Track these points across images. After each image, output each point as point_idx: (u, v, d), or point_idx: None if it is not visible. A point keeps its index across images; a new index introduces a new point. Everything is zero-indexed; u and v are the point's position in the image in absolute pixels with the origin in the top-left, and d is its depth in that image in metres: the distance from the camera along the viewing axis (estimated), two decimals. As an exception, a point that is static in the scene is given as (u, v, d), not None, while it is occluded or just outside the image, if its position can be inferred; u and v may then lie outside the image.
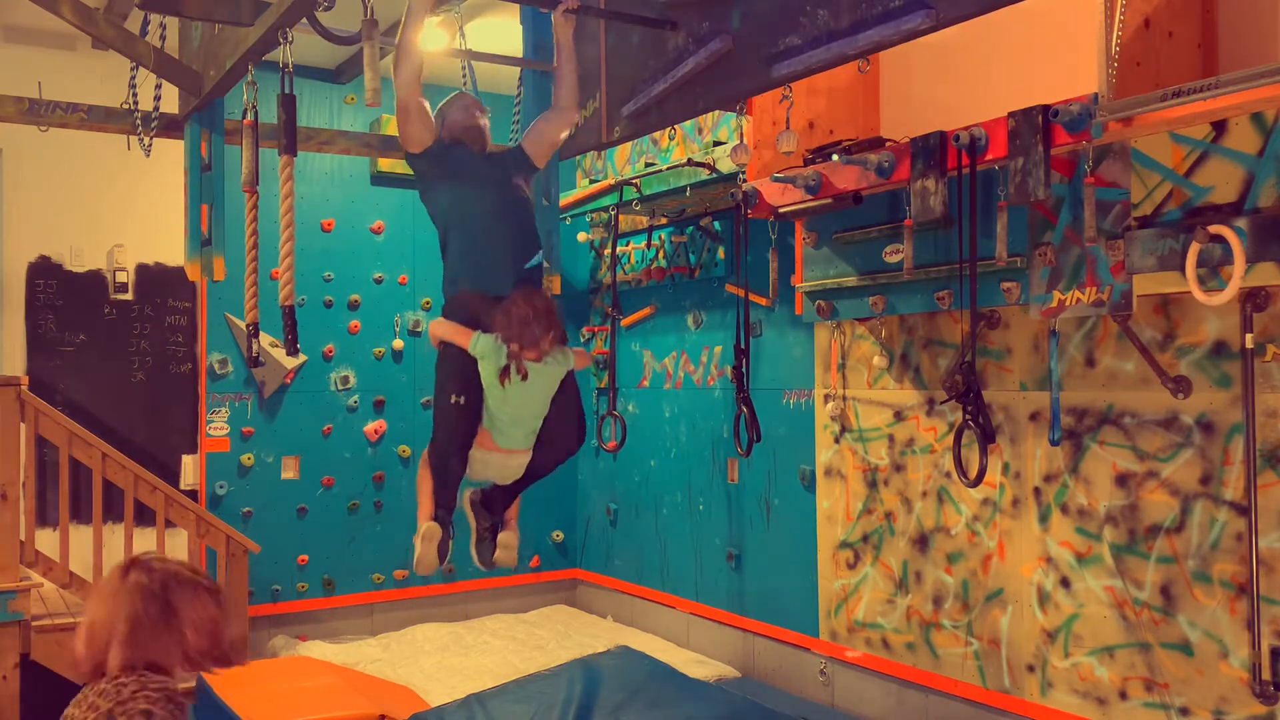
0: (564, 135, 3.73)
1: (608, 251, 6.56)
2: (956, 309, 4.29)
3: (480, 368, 3.39)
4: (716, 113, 5.48)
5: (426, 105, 3.48)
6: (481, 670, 5.67)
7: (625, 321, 6.68)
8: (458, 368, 3.42)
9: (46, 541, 5.53)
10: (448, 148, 3.54)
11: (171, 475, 6.21)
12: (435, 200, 3.56)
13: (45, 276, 6.12)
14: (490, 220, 3.47)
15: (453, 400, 3.40)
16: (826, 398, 5.29)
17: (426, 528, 3.45)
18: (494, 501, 3.69)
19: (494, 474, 3.59)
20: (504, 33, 5.14)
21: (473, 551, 3.70)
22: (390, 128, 6.46)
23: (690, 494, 6.30)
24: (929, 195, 3.87)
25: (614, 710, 4.48)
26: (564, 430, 3.58)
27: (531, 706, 4.52)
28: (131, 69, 4.41)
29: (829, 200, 4.38)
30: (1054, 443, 4.08)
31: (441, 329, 3.48)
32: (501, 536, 3.67)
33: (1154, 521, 3.89)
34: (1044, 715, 4.26)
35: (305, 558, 6.54)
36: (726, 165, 5.19)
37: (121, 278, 6.27)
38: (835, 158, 4.30)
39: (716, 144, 5.52)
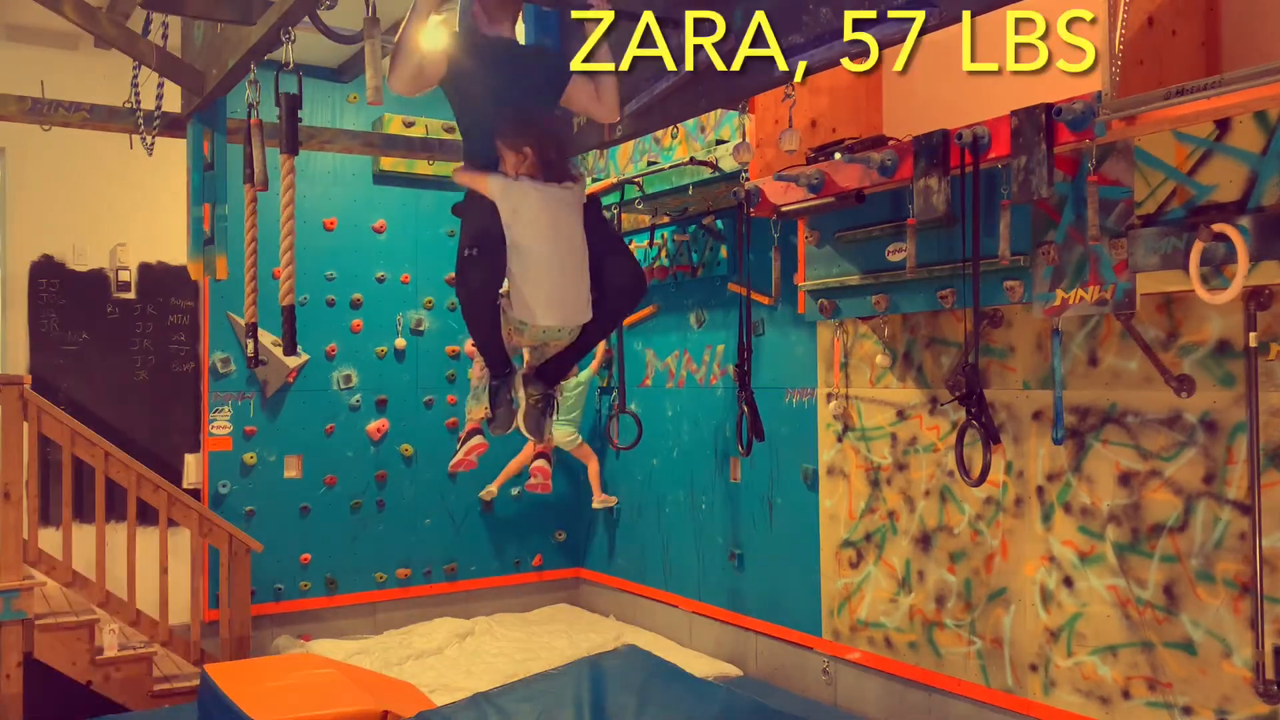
0: (590, 112, 3.53)
1: (610, 250, 6.55)
2: (959, 308, 4.28)
3: (500, 212, 3.19)
4: (719, 111, 5.47)
5: (427, 69, 3.23)
6: (484, 669, 5.68)
7: (627, 320, 6.67)
8: (480, 220, 3.23)
9: (49, 540, 5.54)
10: (461, 65, 3.28)
11: (174, 474, 6.21)
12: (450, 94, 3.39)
13: (48, 275, 6.12)
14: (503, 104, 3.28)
15: (471, 253, 3.21)
16: (829, 396, 5.28)
17: (480, 379, 3.35)
18: (545, 372, 3.49)
19: (528, 339, 3.37)
20: (506, 31, 5.13)
21: (520, 423, 3.46)
22: (392, 127, 6.47)
23: (692, 493, 6.29)
24: (932, 194, 3.87)
25: (619, 709, 4.48)
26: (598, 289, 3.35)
27: (538, 705, 4.52)
28: (134, 68, 4.42)
29: (831, 199, 4.37)
30: (1057, 442, 4.07)
31: (464, 176, 3.33)
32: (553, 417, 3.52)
33: (1157, 520, 3.88)
34: (1047, 714, 4.25)
35: (308, 556, 6.55)
36: (729, 164, 5.17)
37: (124, 276, 6.28)
38: (838, 156, 4.29)
39: (719, 142, 5.50)
